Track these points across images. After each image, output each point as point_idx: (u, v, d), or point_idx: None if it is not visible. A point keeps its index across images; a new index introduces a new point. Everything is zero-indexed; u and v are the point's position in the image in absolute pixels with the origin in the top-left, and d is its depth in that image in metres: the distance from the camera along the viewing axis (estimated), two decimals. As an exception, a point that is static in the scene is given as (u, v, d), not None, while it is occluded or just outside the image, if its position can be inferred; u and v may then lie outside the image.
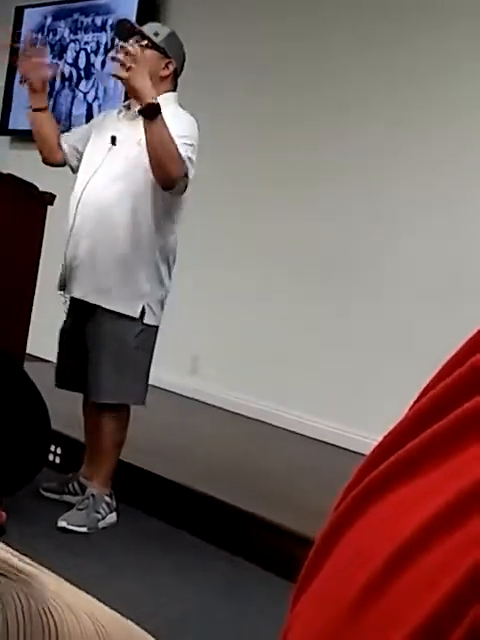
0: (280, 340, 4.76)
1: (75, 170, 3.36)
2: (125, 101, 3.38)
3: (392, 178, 4.41)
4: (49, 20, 6.09)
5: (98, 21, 5.76)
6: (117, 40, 3.37)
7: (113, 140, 3.18)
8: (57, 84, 5.95)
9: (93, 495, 3.25)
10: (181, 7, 5.41)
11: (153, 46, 3.19)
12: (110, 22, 5.60)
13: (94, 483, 3.29)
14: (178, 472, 3.55)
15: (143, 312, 3.19)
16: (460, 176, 4.19)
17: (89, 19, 5.83)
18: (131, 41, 3.15)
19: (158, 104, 2.95)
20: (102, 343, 3.18)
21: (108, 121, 3.33)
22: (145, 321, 3.20)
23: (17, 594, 0.86)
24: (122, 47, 3.03)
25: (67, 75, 5.94)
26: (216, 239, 5.09)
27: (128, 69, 2.94)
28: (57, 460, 3.74)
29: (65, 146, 3.42)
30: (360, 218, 4.52)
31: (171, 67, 3.24)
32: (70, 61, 5.94)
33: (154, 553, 3.10)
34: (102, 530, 3.23)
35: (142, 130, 3.01)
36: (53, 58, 5.98)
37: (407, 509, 0.36)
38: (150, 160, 3.00)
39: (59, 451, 3.75)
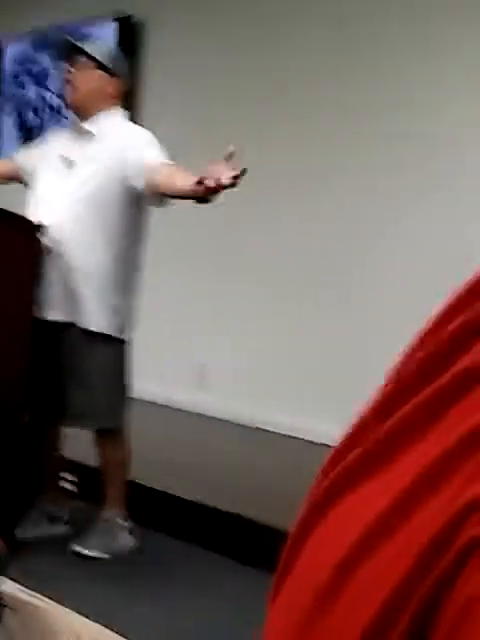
0: (288, 349, 4.77)
1: (25, 183, 3.34)
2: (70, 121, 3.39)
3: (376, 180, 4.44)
4: (31, 51, 6.12)
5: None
6: (59, 60, 3.43)
7: (65, 162, 3.16)
8: (46, 114, 5.98)
9: (107, 520, 3.25)
10: (159, 33, 5.45)
11: (97, 65, 3.18)
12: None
13: (107, 507, 3.28)
14: (192, 489, 3.55)
15: (121, 329, 3.18)
16: (436, 175, 4.23)
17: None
18: (67, 67, 3.19)
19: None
20: (83, 369, 3.15)
21: (57, 143, 3.28)
22: (122, 337, 3.19)
23: (25, 626, 0.88)
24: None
25: (53, 104, 5.97)
26: (222, 249, 5.10)
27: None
28: (73, 488, 3.73)
29: (15, 165, 3.42)
30: (361, 222, 4.53)
31: (116, 83, 3.23)
32: (54, 90, 5.97)
33: (169, 573, 3.10)
34: (118, 553, 3.23)
35: (95, 148, 3.09)
36: (37, 88, 6.01)
37: (353, 515, 0.37)
38: (161, 195, 3.00)
39: (75, 479, 3.74)
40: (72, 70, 3.17)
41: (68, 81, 3.15)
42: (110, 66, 3.20)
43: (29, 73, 6.08)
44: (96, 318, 3.13)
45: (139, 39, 5.52)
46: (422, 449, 0.37)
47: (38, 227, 3.09)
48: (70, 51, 3.20)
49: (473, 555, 0.32)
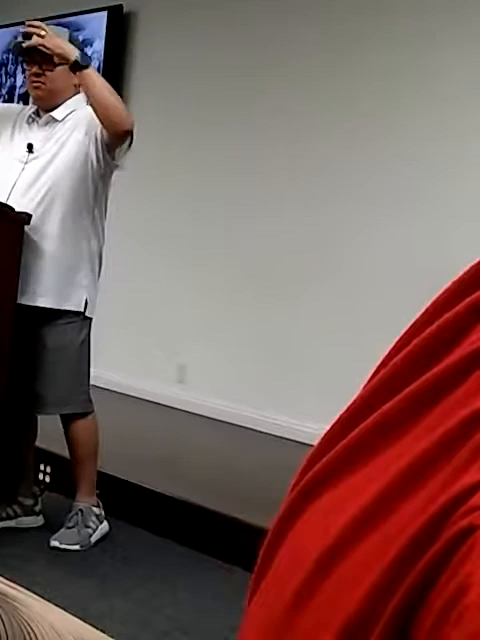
0: (267, 346, 4.77)
1: None
2: (32, 106, 3.34)
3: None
4: (20, 39, 6.09)
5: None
6: (19, 58, 3.41)
7: (30, 148, 3.19)
8: (30, 101, 5.95)
9: (81, 510, 3.24)
10: (150, 23, 5.44)
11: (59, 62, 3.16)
12: (81, 39, 5.62)
13: (79, 496, 3.28)
14: (168, 484, 3.55)
15: (86, 304, 3.20)
16: (406, 184, 4.26)
17: (60, 36, 5.85)
18: (35, 68, 3.18)
19: (87, 55, 3.03)
20: (51, 352, 3.17)
21: (23, 124, 3.29)
22: (87, 313, 3.21)
23: (0, 615, 0.88)
24: (27, 24, 3.14)
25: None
26: (201, 246, 5.10)
27: (41, 37, 3.03)
28: (47, 479, 3.74)
29: None
30: (346, 220, 4.55)
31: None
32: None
33: (145, 566, 3.11)
34: (95, 544, 3.23)
35: (59, 133, 3.13)
36: (25, 77, 5.99)
37: (334, 510, 0.37)
38: (101, 111, 3.01)
39: (48, 470, 3.75)
40: (36, 70, 3.17)
41: (34, 81, 3.18)
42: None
43: (17, 62, 6.05)
44: (62, 296, 3.16)
45: (130, 29, 5.51)
46: (408, 442, 0.37)
47: (21, 215, 3.10)
48: (34, 52, 3.17)
49: (460, 547, 0.32)
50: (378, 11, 4.44)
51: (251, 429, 4.67)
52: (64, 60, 3.07)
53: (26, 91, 5.93)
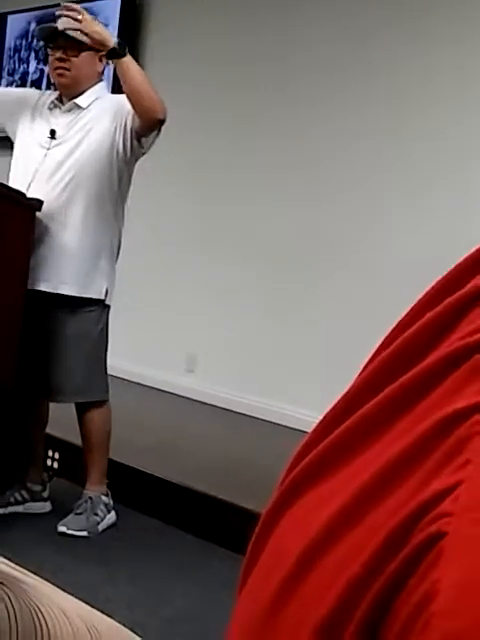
0: (276, 336, 4.77)
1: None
2: (54, 91, 3.30)
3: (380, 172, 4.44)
4: (33, 25, 6.09)
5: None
6: (41, 43, 3.37)
7: (52, 134, 3.16)
8: (43, 87, 5.95)
9: (90, 497, 3.25)
10: (163, 13, 5.43)
11: (86, 47, 3.13)
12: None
13: (89, 485, 3.29)
14: (177, 472, 3.56)
15: (106, 292, 3.20)
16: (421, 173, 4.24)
17: (73, 23, 5.84)
18: (59, 53, 3.14)
19: (124, 42, 3.06)
20: (71, 339, 3.17)
21: (43, 110, 3.26)
22: (106, 301, 3.21)
23: (9, 597, 0.88)
24: (63, 7, 3.09)
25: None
26: (211, 236, 5.10)
27: (79, 21, 3.00)
28: (55, 465, 3.75)
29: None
30: (354, 209, 4.54)
31: (104, 60, 3.21)
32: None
33: (153, 554, 3.11)
34: (102, 532, 3.24)
35: (83, 121, 3.11)
36: (38, 63, 5.98)
37: (317, 507, 0.37)
38: (136, 99, 2.99)
39: (57, 456, 3.76)
40: (61, 55, 3.14)
41: (57, 67, 3.14)
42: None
43: (31, 48, 6.05)
44: (84, 284, 3.15)
45: (142, 17, 5.50)
46: (386, 443, 0.36)
47: (32, 201, 3.09)
48: (58, 37, 3.14)
49: (428, 554, 0.31)
50: (385, 7, 4.42)
51: (260, 419, 4.68)
52: (102, 47, 3.03)
53: (39, 77, 5.97)
